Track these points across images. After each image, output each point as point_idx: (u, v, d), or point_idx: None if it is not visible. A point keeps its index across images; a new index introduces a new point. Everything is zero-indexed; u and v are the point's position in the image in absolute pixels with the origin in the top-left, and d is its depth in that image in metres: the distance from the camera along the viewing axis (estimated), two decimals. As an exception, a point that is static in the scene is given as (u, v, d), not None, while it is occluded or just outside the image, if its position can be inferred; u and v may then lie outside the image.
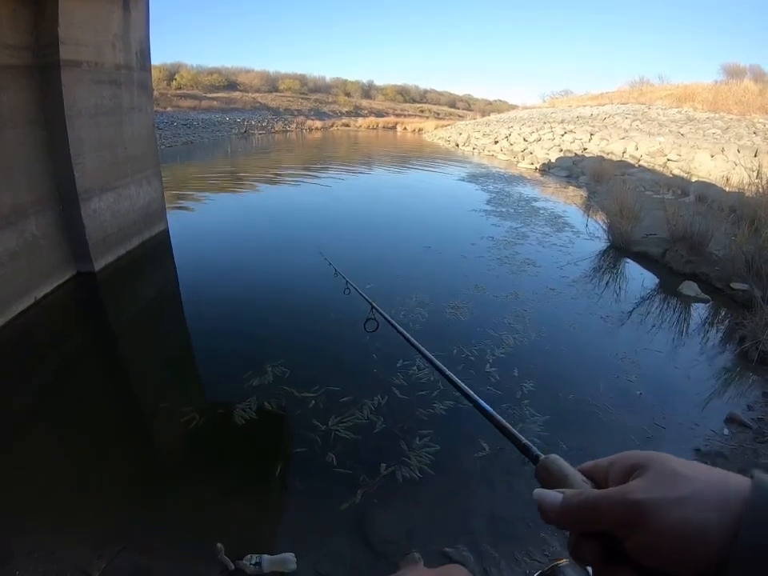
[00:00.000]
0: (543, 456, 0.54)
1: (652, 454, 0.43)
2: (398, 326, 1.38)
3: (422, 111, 59.36)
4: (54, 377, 4.26)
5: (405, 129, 44.71)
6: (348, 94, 58.83)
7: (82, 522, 2.76)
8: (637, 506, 0.39)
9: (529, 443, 0.60)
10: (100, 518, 2.79)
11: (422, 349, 1.13)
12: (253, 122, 37.50)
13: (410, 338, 1.24)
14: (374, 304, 1.76)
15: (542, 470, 0.52)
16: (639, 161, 16.24)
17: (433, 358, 1.05)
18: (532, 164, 19.63)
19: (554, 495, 0.46)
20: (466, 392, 0.83)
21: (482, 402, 0.76)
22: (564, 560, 0.52)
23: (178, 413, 3.65)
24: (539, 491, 0.47)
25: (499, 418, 0.70)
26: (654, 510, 0.38)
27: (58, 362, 4.54)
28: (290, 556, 2.50)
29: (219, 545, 2.48)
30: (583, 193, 13.91)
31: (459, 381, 0.88)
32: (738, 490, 0.37)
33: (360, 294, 2.11)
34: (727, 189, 10.66)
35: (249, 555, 2.49)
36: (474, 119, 43.74)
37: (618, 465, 0.45)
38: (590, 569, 0.45)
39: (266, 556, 2.48)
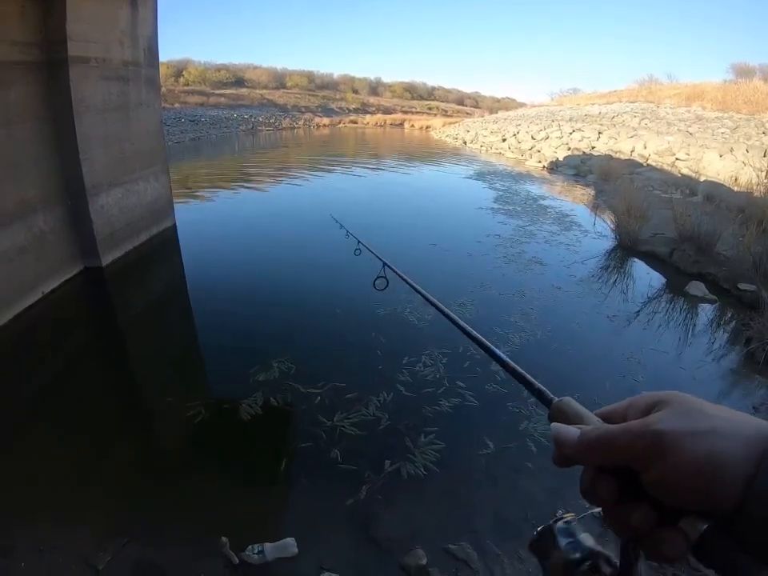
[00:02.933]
0: (557, 398, 0.53)
1: (673, 393, 0.43)
2: (409, 280, 1.37)
3: (429, 108, 59.28)
4: (61, 371, 4.29)
5: (412, 126, 44.62)
6: (356, 91, 58.84)
7: (87, 515, 2.78)
8: (659, 436, 0.38)
9: (542, 387, 0.59)
10: (105, 511, 2.81)
11: (434, 300, 1.12)
12: (260, 119, 37.56)
13: (421, 290, 1.24)
14: (385, 261, 1.77)
15: (556, 412, 0.52)
16: (647, 160, 16.16)
17: (444, 308, 1.04)
18: (540, 162, 19.55)
19: (572, 429, 0.45)
20: (479, 340, 0.82)
21: (495, 349, 0.75)
22: (570, 514, 0.52)
23: (184, 407, 3.66)
24: (557, 425, 0.47)
25: (512, 363, 0.68)
26: (677, 441, 0.37)
27: (65, 356, 4.57)
28: (291, 540, 2.53)
29: (224, 538, 2.50)
30: (591, 191, 13.85)
31: (472, 330, 0.87)
32: (761, 429, 0.37)
33: (370, 251, 2.12)
34: (735, 189, 10.59)
35: (250, 546, 2.51)
36: (482, 117, 43.61)
37: (638, 404, 0.45)
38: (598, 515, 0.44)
39: (267, 544, 2.50)
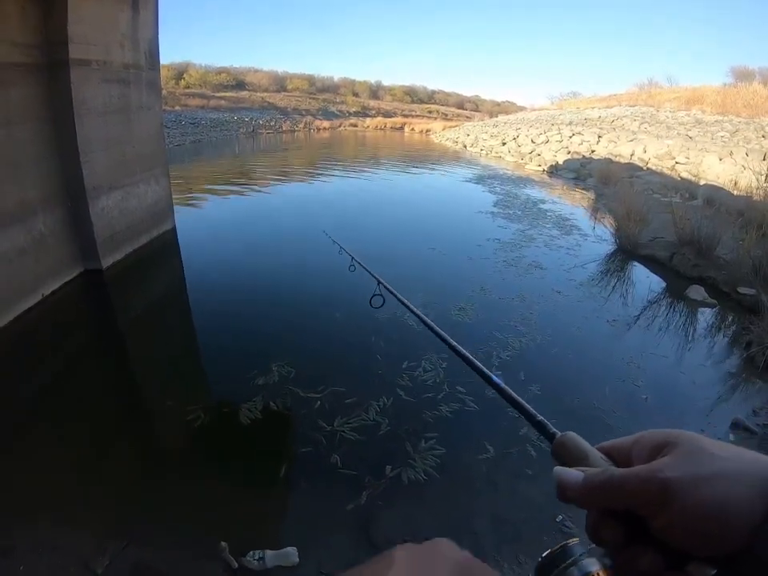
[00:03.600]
0: (560, 433, 0.53)
1: (680, 432, 0.42)
2: (405, 300, 1.37)
3: (429, 112, 59.32)
4: (60, 373, 4.29)
5: (412, 129, 44.66)
6: (356, 94, 58.86)
7: (86, 518, 2.77)
8: (666, 484, 0.38)
9: (544, 420, 0.58)
10: (104, 514, 2.80)
11: (431, 322, 1.11)
12: (261, 122, 37.56)
13: (418, 312, 1.23)
14: (380, 279, 1.76)
15: (559, 448, 0.51)
16: (647, 163, 16.18)
17: (443, 332, 1.03)
18: (539, 166, 19.59)
19: (575, 473, 0.45)
20: (478, 368, 0.80)
21: (495, 377, 0.74)
22: (575, 540, 0.51)
23: (184, 411, 3.66)
24: (560, 469, 0.46)
25: (512, 393, 0.67)
26: (685, 488, 0.37)
27: (64, 358, 4.56)
28: (292, 550, 2.52)
29: (223, 543, 2.49)
30: (591, 195, 13.87)
31: (470, 356, 0.86)
32: (767, 469, 0.37)
33: (365, 269, 2.12)
34: (735, 192, 10.62)
35: (251, 551, 2.50)
36: (482, 120, 43.67)
37: (643, 443, 0.44)
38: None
39: (268, 551, 2.50)
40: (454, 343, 0.94)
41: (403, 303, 1.38)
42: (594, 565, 0.47)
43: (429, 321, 1.14)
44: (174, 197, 8.68)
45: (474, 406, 3.85)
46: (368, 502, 2.94)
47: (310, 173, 16.21)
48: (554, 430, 0.55)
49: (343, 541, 2.70)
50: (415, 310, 1.27)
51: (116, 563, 2.48)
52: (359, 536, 2.73)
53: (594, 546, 0.49)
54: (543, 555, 0.51)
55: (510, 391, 0.68)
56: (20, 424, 3.55)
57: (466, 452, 3.41)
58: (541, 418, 0.59)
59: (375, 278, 1.80)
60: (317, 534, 2.73)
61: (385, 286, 1.67)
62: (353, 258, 2.47)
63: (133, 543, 2.60)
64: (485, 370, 0.77)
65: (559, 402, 4.01)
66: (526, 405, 0.63)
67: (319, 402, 3.82)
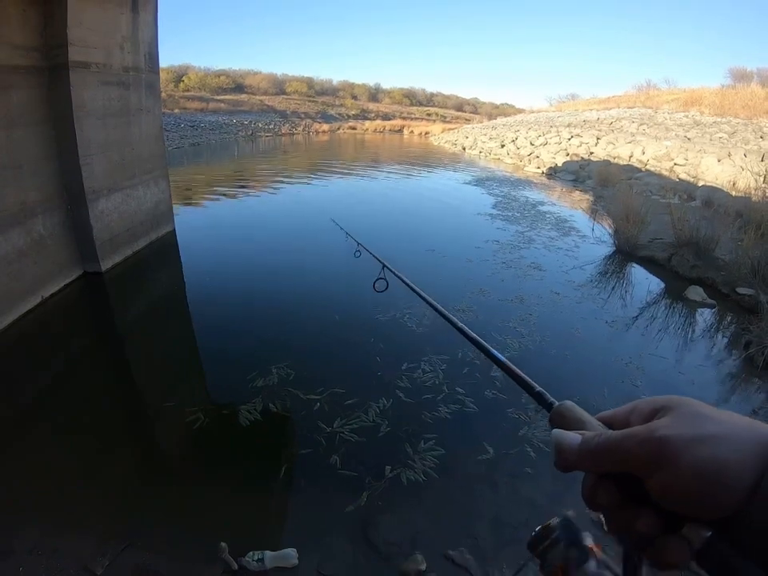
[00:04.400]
0: (558, 402, 0.52)
1: (676, 398, 0.42)
2: (407, 281, 1.37)
3: (428, 114, 59.44)
4: (60, 375, 4.29)
5: (411, 132, 44.72)
6: (355, 97, 58.99)
7: (86, 519, 2.77)
8: (664, 442, 0.38)
9: (543, 390, 0.58)
10: (104, 516, 2.80)
11: (433, 302, 1.12)
12: (260, 125, 37.61)
13: (421, 291, 1.24)
14: (384, 263, 1.76)
15: (556, 416, 0.51)
16: (646, 165, 16.19)
17: (444, 310, 1.04)
18: (538, 168, 19.62)
19: (573, 435, 0.45)
20: (478, 342, 0.81)
21: (494, 351, 0.74)
22: (569, 512, 0.51)
23: (183, 413, 3.66)
24: (558, 431, 0.46)
25: (511, 365, 0.67)
26: (683, 447, 0.37)
27: (63, 360, 4.56)
28: (292, 551, 2.52)
29: (223, 544, 2.49)
30: (589, 197, 13.88)
31: (470, 331, 0.87)
32: (765, 434, 0.37)
33: (370, 253, 2.11)
34: (734, 193, 10.62)
35: (251, 552, 2.50)
36: (481, 123, 43.72)
37: (641, 408, 0.44)
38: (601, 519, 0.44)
39: (268, 552, 2.49)
40: (458, 321, 0.95)
41: (405, 282, 1.38)
42: (588, 538, 0.48)
43: (430, 299, 1.15)
44: (173, 199, 8.69)
45: (473, 407, 3.85)
46: (367, 502, 2.94)
47: (309, 176, 16.22)
48: (552, 399, 0.55)
49: (343, 542, 2.70)
50: (417, 288, 1.27)
51: (115, 564, 2.48)
52: (359, 537, 2.73)
53: (587, 525, 0.49)
54: (536, 529, 0.51)
55: (510, 364, 0.68)
56: (19, 426, 3.55)
57: (465, 453, 3.41)
58: (539, 388, 0.59)
59: (379, 261, 1.80)
60: (316, 535, 2.73)
61: (389, 269, 1.67)
62: (358, 243, 2.46)
63: (132, 545, 2.60)
64: (485, 344, 0.78)
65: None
66: (525, 376, 0.63)
67: (319, 404, 3.82)
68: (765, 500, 0.34)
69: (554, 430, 0.47)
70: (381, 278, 1.74)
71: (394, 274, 1.58)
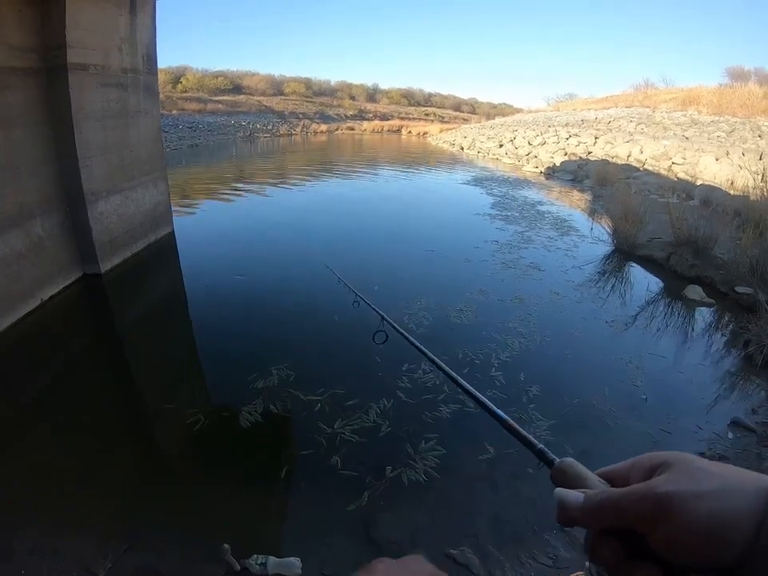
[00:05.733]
0: (559, 460, 0.54)
1: (676, 454, 0.43)
2: (410, 337, 1.36)
3: (426, 115, 59.40)
4: (60, 378, 4.29)
5: (409, 132, 44.69)
6: (353, 98, 58.95)
7: (87, 521, 2.77)
8: (664, 499, 0.39)
9: (544, 447, 0.59)
10: (105, 517, 2.80)
11: (436, 359, 1.12)
12: (258, 126, 37.57)
13: (423, 348, 1.24)
14: (384, 315, 1.74)
15: (558, 474, 0.52)
16: (644, 164, 16.22)
17: (446, 367, 1.04)
18: (537, 167, 19.63)
19: (575, 494, 0.46)
20: (479, 399, 0.82)
21: (495, 408, 0.75)
22: (580, 573, 0.52)
23: (184, 414, 3.67)
24: (560, 490, 0.48)
25: (513, 423, 0.69)
26: (682, 502, 0.38)
27: (63, 363, 4.56)
28: (296, 561, 2.49)
29: (226, 545, 2.49)
30: (588, 196, 13.90)
31: (473, 389, 0.88)
32: (763, 486, 0.38)
33: (370, 306, 2.10)
34: (732, 192, 10.65)
35: (255, 555, 2.49)
36: (479, 123, 43.72)
37: (640, 465, 0.45)
38: None
39: (272, 558, 2.48)
40: (459, 378, 0.96)
41: (407, 339, 1.38)
42: None
43: (431, 354, 1.16)
44: (172, 201, 8.69)
45: (473, 408, 3.85)
46: (368, 502, 2.95)
47: (307, 177, 16.21)
48: (553, 456, 0.56)
49: (344, 541, 2.71)
50: (418, 345, 1.27)
51: (117, 566, 2.48)
52: (361, 537, 2.74)
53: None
54: None
55: (512, 422, 0.70)
56: (20, 428, 3.55)
57: (466, 453, 3.42)
58: (541, 446, 0.60)
59: (379, 313, 1.78)
60: (317, 535, 2.74)
61: (388, 322, 1.66)
62: (357, 294, 2.45)
63: (134, 547, 2.60)
64: (488, 402, 0.79)
65: (559, 402, 4.02)
66: (527, 434, 0.65)
67: (319, 405, 3.82)
68: (764, 550, 0.35)
69: (557, 489, 0.48)
70: (380, 331, 1.73)
71: (393, 326, 1.57)
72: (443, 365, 1.07)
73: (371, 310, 1.84)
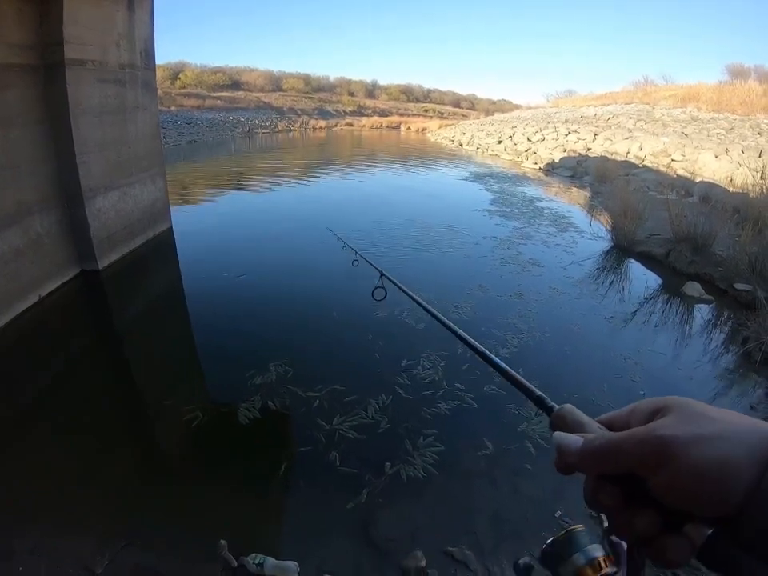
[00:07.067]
0: (558, 406, 0.53)
1: (676, 398, 0.42)
2: (407, 290, 1.37)
3: (425, 111, 59.34)
4: (58, 375, 4.28)
5: (408, 128, 44.67)
6: (352, 94, 58.88)
7: (85, 519, 2.77)
8: (664, 442, 0.38)
9: (543, 395, 0.58)
10: (103, 515, 2.80)
11: (433, 310, 1.12)
12: (257, 122, 37.56)
13: (420, 300, 1.24)
14: (382, 271, 1.75)
15: (557, 420, 0.51)
16: (643, 161, 16.21)
17: (443, 318, 1.04)
18: (536, 164, 19.61)
19: (574, 438, 0.45)
20: (478, 348, 0.81)
21: (495, 357, 0.74)
22: (579, 526, 0.52)
23: (182, 411, 3.66)
24: (559, 434, 0.47)
25: (512, 371, 0.68)
26: (683, 446, 0.37)
27: (61, 360, 4.56)
28: (293, 565, 2.46)
29: (222, 541, 2.48)
30: (587, 193, 13.90)
31: (471, 338, 0.86)
32: (765, 433, 0.37)
33: (368, 262, 2.10)
34: (731, 189, 10.65)
35: (253, 554, 2.48)
36: (478, 119, 43.68)
37: (640, 410, 0.44)
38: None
39: (270, 559, 2.46)
40: (456, 328, 0.94)
41: (404, 291, 1.37)
42: (598, 551, 0.48)
43: (430, 307, 1.15)
44: (170, 197, 8.67)
45: (472, 403, 3.86)
46: (367, 499, 2.94)
47: (306, 173, 16.21)
48: (552, 403, 0.55)
49: (343, 539, 2.70)
50: (416, 297, 1.27)
51: (115, 563, 2.48)
52: (359, 534, 2.74)
53: (598, 536, 0.49)
54: (548, 542, 0.51)
55: (510, 370, 0.69)
56: (18, 425, 3.55)
57: (464, 449, 3.42)
58: (540, 393, 0.59)
59: (377, 269, 1.79)
60: (316, 533, 2.73)
61: (387, 277, 1.67)
62: (356, 252, 2.46)
63: (132, 543, 2.60)
64: (486, 351, 0.78)
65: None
66: (526, 382, 0.64)
67: (318, 401, 3.82)
68: (765, 498, 0.34)
69: (555, 432, 0.47)
70: (379, 287, 1.73)
71: (392, 281, 1.57)
72: (441, 316, 1.06)
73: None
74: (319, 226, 9.12)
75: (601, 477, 0.43)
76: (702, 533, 0.38)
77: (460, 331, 0.92)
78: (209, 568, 2.49)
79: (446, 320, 1.02)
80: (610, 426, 0.47)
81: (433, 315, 1.11)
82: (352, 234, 8.61)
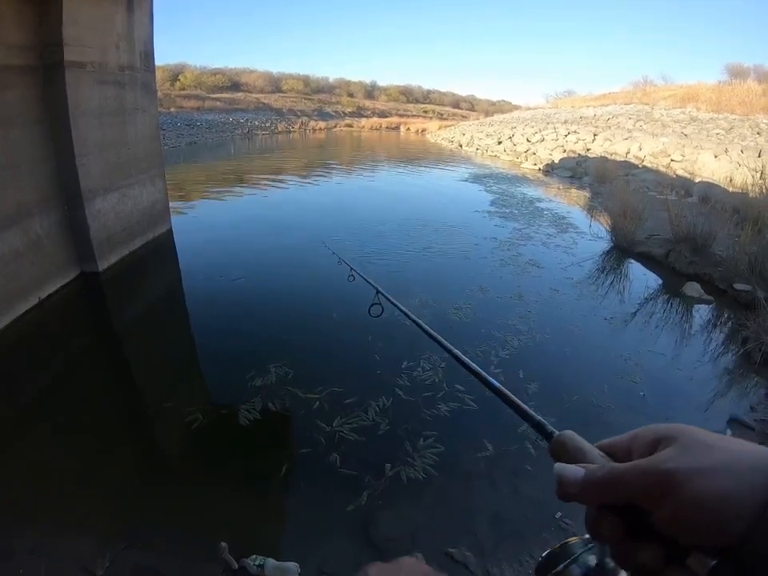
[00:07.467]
0: (558, 432, 0.52)
1: (679, 426, 0.42)
2: (404, 308, 1.37)
3: (425, 112, 59.33)
4: (58, 376, 4.28)
5: (408, 129, 44.65)
6: (351, 95, 58.88)
7: (86, 520, 2.77)
8: (668, 475, 0.38)
9: (542, 420, 0.58)
10: (103, 516, 2.80)
11: (430, 330, 1.11)
12: (256, 123, 37.54)
13: (416, 319, 1.23)
14: (378, 288, 1.75)
15: (557, 446, 0.50)
16: (643, 161, 16.22)
17: (441, 338, 1.03)
18: (535, 164, 19.61)
19: (575, 469, 0.45)
20: (476, 371, 0.81)
21: (492, 380, 0.74)
22: (575, 538, 0.51)
23: (182, 413, 3.66)
24: (560, 465, 0.46)
25: (509, 393, 0.68)
26: (687, 479, 0.37)
27: (61, 361, 4.55)
28: (294, 566, 2.47)
29: (223, 543, 2.48)
30: (587, 193, 13.90)
31: (469, 361, 0.86)
32: (767, 461, 0.37)
33: (364, 278, 2.11)
34: (731, 189, 10.64)
35: (254, 556, 2.48)
36: (478, 120, 43.68)
37: (642, 438, 0.44)
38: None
39: (270, 560, 2.46)
40: (453, 349, 0.94)
41: (401, 310, 1.38)
42: (594, 562, 0.48)
43: (427, 327, 1.14)
44: (170, 198, 8.67)
45: (472, 405, 3.86)
46: (367, 501, 2.94)
47: (306, 174, 16.20)
48: (552, 429, 0.55)
49: (343, 540, 2.71)
50: (413, 316, 1.27)
51: (115, 564, 2.49)
52: (360, 536, 2.74)
53: (593, 543, 0.49)
54: (544, 554, 0.51)
55: (509, 394, 0.68)
56: (18, 427, 3.55)
57: (465, 450, 3.42)
58: (539, 418, 0.59)
59: (373, 286, 1.79)
60: (316, 534, 2.74)
61: (383, 295, 1.67)
62: (351, 268, 2.45)
63: (133, 545, 2.61)
64: (484, 374, 0.78)
65: (558, 399, 4.01)
66: (525, 406, 0.63)
67: (318, 403, 3.82)
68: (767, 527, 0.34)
69: (556, 464, 0.47)
70: (376, 303, 1.73)
71: (388, 299, 1.58)
72: (438, 336, 1.06)
73: (368, 293, 1.83)
74: (318, 227, 9.14)
75: (602, 507, 0.43)
76: (705, 564, 0.37)
77: (459, 353, 0.92)
78: (209, 569, 2.49)
79: (442, 339, 1.02)
80: (611, 452, 0.47)
81: (429, 335, 1.10)
82: (349, 236, 8.61)
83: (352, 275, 2.41)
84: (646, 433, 0.44)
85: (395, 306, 1.47)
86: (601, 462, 0.45)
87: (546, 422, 0.57)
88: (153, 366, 4.60)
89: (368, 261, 7.17)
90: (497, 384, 0.72)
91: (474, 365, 0.83)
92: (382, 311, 1.72)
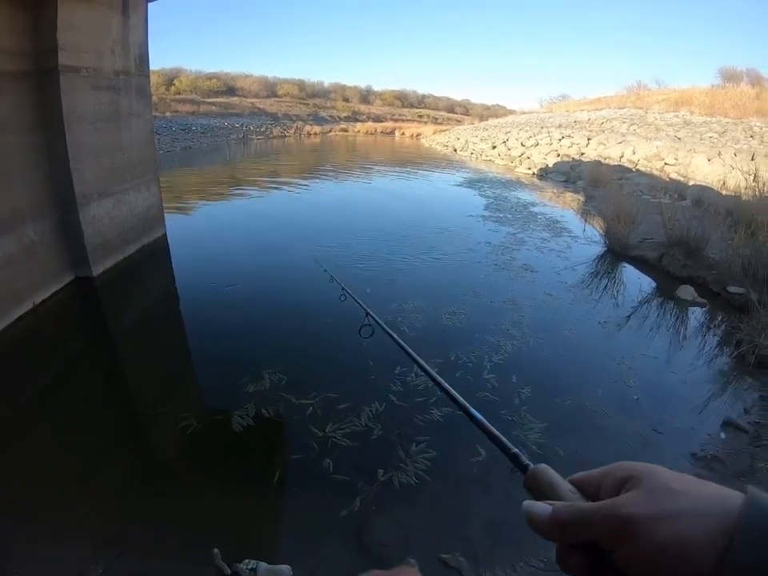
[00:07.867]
0: (533, 465, 0.53)
1: (645, 467, 0.43)
2: (392, 332, 1.38)
3: (420, 116, 59.43)
4: (52, 382, 4.26)
5: (403, 134, 44.72)
6: (346, 100, 58.93)
7: (80, 526, 2.76)
8: (627, 521, 0.39)
9: (518, 452, 0.59)
10: (97, 522, 2.79)
11: (415, 355, 1.13)
12: (251, 128, 37.55)
13: (403, 344, 1.25)
14: (368, 310, 1.76)
15: (530, 480, 0.52)
16: (636, 165, 16.27)
17: (425, 364, 1.05)
18: (530, 169, 19.68)
19: (542, 507, 0.46)
20: (456, 398, 0.83)
21: (472, 409, 0.76)
22: None
23: (176, 418, 3.65)
24: (528, 503, 0.47)
25: (489, 426, 0.69)
26: (645, 525, 0.38)
27: (55, 367, 4.54)
28: (286, 568, 2.47)
29: (215, 550, 2.48)
30: (581, 197, 13.93)
31: (450, 388, 0.88)
32: (731, 505, 0.37)
33: (355, 300, 2.11)
34: (724, 192, 10.68)
35: (246, 560, 2.48)
36: (472, 124, 43.81)
37: (611, 476, 0.45)
38: None
39: (262, 564, 2.47)
40: (437, 377, 0.95)
41: (389, 334, 1.39)
42: None
43: (414, 353, 1.16)
44: (165, 204, 8.66)
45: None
46: (361, 507, 2.94)
47: (300, 179, 16.20)
48: (528, 461, 0.56)
49: (336, 546, 2.70)
50: (401, 341, 1.28)
51: (109, 571, 2.48)
52: (353, 542, 2.73)
53: None
54: None
55: (488, 425, 0.71)
56: (11, 433, 3.53)
57: (457, 455, 3.42)
58: (515, 450, 0.60)
59: (363, 308, 1.80)
60: (309, 540, 2.73)
61: (373, 317, 1.68)
62: (342, 288, 2.45)
63: (126, 551, 2.60)
64: (465, 404, 0.79)
65: (551, 404, 4.02)
66: (502, 438, 0.65)
67: (311, 408, 3.82)
68: (734, 567, 0.35)
69: (525, 502, 0.48)
70: (366, 325, 1.74)
71: (378, 322, 1.59)
72: (422, 362, 1.07)
73: (360, 309, 1.84)
74: (312, 234, 9.14)
75: (570, 545, 0.44)
76: None
77: (442, 381, 0.93)
78: (203, 573, 2.48)
79: (428, 367, 1.03)
80: (582, 486, 0.48)
81: (415, 361, 1.12)
82: (342, 241, 8.61)
83: (344, 295, 2.41)
84: (616, 471, 0.45)
85: (384, 329, 1.48)
86: (571, 498, 0.47)
87: (521, 453, 0.58)
88: (147, 372, 4.59)
89: (359, 266, 7.17)
90: (477, 415, 0.74)
91: (456, 393, 0.86)
92: (373, 332, 1.73)
